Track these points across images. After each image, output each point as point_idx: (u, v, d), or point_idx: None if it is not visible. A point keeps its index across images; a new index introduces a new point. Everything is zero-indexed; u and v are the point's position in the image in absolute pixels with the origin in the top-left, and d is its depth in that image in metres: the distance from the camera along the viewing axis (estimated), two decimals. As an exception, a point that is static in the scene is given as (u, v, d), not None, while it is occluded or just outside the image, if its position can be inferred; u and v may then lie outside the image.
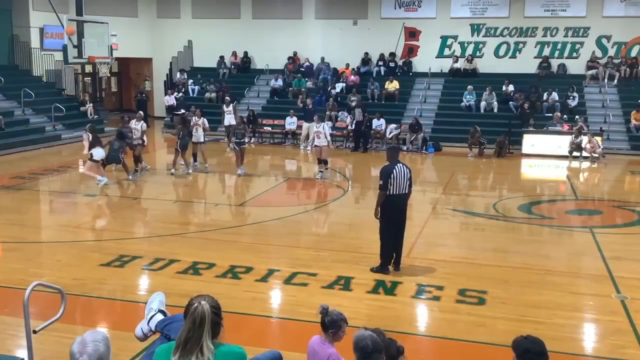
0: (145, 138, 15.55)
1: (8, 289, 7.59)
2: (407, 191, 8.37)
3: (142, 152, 15.52)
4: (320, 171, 14.96)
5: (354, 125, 20.63)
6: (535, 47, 23.78)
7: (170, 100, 24.32)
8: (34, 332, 4.45)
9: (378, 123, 21.05)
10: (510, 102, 21.97)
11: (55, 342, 5.36)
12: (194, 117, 16.31)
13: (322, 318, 4.55)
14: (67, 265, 8.75)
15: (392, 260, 8.47)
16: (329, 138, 15.43)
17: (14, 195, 12.63)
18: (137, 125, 15.23)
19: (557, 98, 21.60)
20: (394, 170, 8.22)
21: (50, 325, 4.66)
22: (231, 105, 20.78)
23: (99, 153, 13.73)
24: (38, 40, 23.78)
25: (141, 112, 16.37)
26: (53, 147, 19.65)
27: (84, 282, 7.91)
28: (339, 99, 22.75)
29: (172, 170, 15.36)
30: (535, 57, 23.72)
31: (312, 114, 20.76)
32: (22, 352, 4.80)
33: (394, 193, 8.23)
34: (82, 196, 13.10)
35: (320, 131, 15.11)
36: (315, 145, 15.42)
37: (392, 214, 8.33)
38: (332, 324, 4.50)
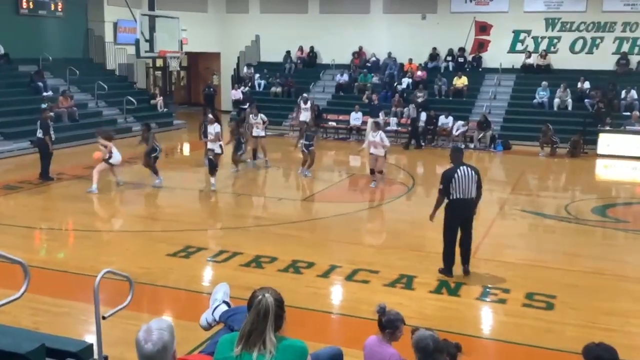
0: (222, 144, 13.63)
1: (79, 276, 7.87)
2: (473, 195, 7.97)
3: (218, 159, 13.68)
4: (374, 180, 13.77)
5: (409, 122, 20.46)
6: (613, 42, 22.74)
7: (237, 94, 24.67)
8: (103, 318, 4.56)
9: (445, 121, 20.73)
10: (586, 100, 21.14)
11: (122, 329, 5.50)
12: (251, 116, 16.25)
13: (379, 318, 4.49)
14: (135, 254, 9.01)
15: (461, 260, 8.19)
16: (387, 144, 13.63)
17: (87, 185, 13.09)
18: (210, 129, 13.52)
19: (635, 96, 20.62)
20: (456, 174, 7.86)
21: (119, 312, 4.77)
22: (309, 102, 20.66)
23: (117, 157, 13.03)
24: (112, 34, 24.60)
25: (211, 115, 14.21)
26: (124, 138, 20.29)
27: (151, 271, 8.11)
28: (405, 94, 22.51)
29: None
30: (613, 54, 22.70)
31: (377, 110, 20.64)
32: (91, 337, 4.94)
33: (457, 197, 7.87)
34: (151, 187, 13.43)
35: (377, 141, 13.37)
36: (371, 153, 13.65)
37: (456, 219, 8.00)
38: (389, 324, 4.44)
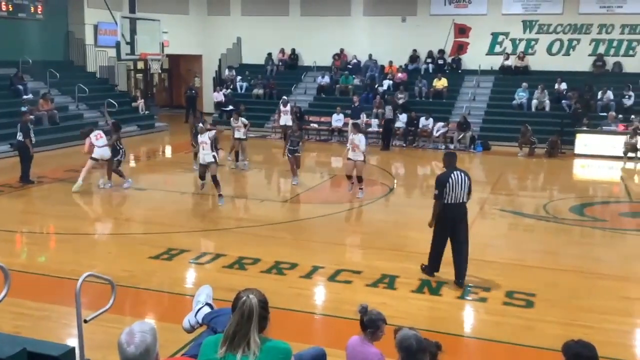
0: (218, 154, 12.86)
1: (61, 279, 7.80)
2: (464, 200, 7.92)
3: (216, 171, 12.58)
4: (360, 188, 12.86)
5: (383, 122, 20.59)
6: (589, 44, 23.13)
7: (219, 96, 24.64)
8: (85, 321, 4.55)
9: (425, 122, 20.88)
10: (563, 101, 21.45)
11: (104, 332, 5.48)
12: (231, 120, 16.15)
13: (361, 317, 4.54)
14: (117, 257, 8.97)
15: (454, 274, 8.02)
16: (363, 148, 12.70)
17: (68, 188, 13.00)
18: (203, 138, 12.31)
19: (611, 97, 20.98)
20: (451, 179, 7.82)
21: (100, 315, 4.76)
22: (288, 105, 20.38)
23: (99, 152, 12.89)
24: (92, 37, 24.42)
25: (201, 124, 13.14)
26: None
27: (133, 274, 8.08)
28: (385, 96, 22.64)
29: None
30: (589, 55, 23.10)
31: (358, 112, 20.73)
32: (73, 341, 4.92)
33: (449, 202, 7.83)
34: (132, 190, 13.37)
35: (356, 144, 12.64)
36: (349, 159, 12.85)
37: (446, 223, 7.96)
38: (370, 324, 4.48)
